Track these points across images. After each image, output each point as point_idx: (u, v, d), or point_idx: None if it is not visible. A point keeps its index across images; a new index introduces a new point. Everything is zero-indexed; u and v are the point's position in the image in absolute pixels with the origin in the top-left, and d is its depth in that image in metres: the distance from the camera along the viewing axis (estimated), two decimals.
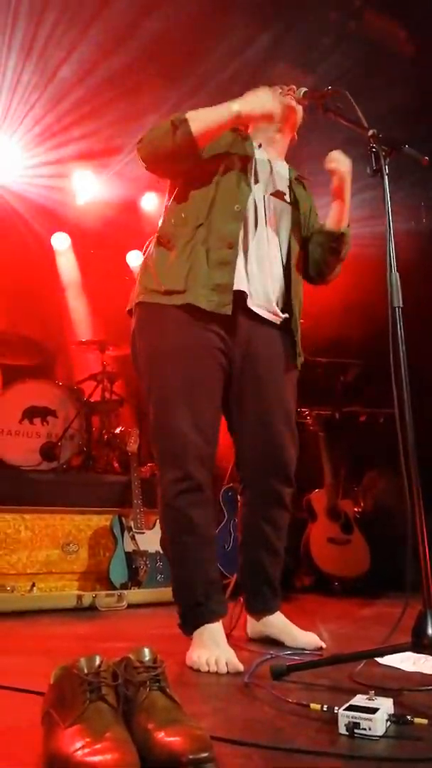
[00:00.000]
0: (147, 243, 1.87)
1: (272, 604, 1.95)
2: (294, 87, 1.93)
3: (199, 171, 1.81)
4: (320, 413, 3.80)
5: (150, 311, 1.75)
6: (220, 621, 1.72)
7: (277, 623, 1.93)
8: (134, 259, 5.82)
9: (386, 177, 1.51)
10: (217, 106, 1.74)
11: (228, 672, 1.55)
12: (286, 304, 1.89)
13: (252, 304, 1.80)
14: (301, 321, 1.95)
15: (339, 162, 1.81)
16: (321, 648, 1.83)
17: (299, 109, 1.94)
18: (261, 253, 1.81)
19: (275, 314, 1.86)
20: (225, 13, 3.89)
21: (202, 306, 1.68)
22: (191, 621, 1.71)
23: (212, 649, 1.62)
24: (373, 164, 1.53)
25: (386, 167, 1.51)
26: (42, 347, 4.41)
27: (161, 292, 1.73)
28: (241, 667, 1.55)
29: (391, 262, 1.48)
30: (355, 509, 3.58)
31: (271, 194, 1.87)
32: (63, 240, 5.57)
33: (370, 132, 1.56)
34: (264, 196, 1.85)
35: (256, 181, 1.85)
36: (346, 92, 1.68)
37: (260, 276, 1.81)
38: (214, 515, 1.87)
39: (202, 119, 1.70)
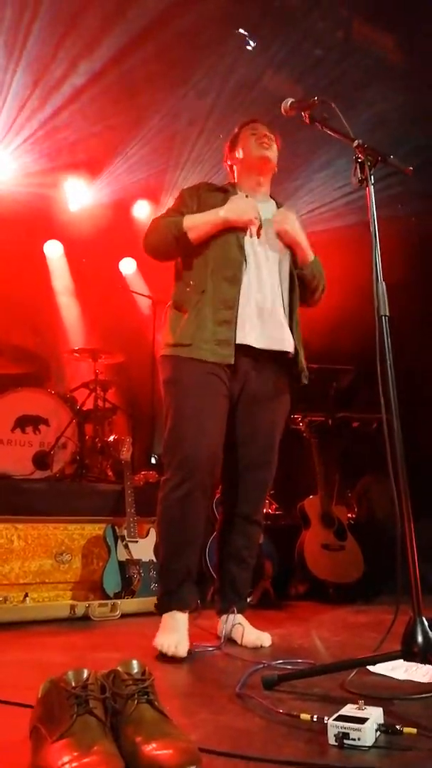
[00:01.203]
0: (166, 307, 2.19)
1: (236, 605, 2.16)
2: (270, 135, 2.18)
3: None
4: (313, 419, 3.81)
5: (168, 361, 2.08)
6: (186, 611, 1.95)
7: (240, 625, 2.12)
8: (127, 266, 5.83)
9: (371, 186, 1.52)
10: (209, 212, 2.06)
11: (171, 656, 1.79)
12: (289, 338, 2.10)
13: (258, 345, 2.04)
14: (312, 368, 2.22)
15: (278, 223, 2.09)
16: (261, 646, 2.03)
17: (273, 155, 2.19)
18: (260, 303, 2.05)
19: (281, 350, 2.09)
20: (217, 25, 3.94)
21: (208, 359, 1.98)
22: (162, 604, 1.99)
23: (170, 635, 1.87)
24: (359, 174, 1.54)
25: (372, 177, 1.53)
26: (34, 356, 4.40)
27: (174, 345, 2.05)
28: (182, 653, 1.80)
29: (377, 272, 1.49)
30: (349, 515, 3.58)
31: (264, 241, 2.10)
32: (55, 248, 5.57)
33: (356, 142, 1.57)
34: (256, 248, 2.08)
35: (251, 234, 2.08)
36: (332, 103, 1.70)
37: (261, 322, 2.04)
38: (208, 522, 2.10)
39: (198, 228, 2.05)
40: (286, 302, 2.11)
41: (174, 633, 1.89)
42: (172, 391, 2.05)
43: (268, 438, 2.15)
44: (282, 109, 1.92)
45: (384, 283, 1.48)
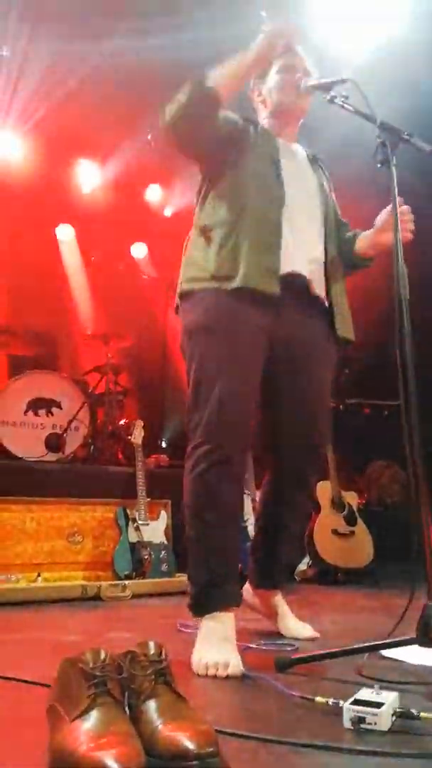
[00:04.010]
0: (186, 239, 1.87)
1: (277, 580, 1.98)
2: (302, 75, 1.87)
3: (231, 161, 1.81)
4: None
5: (196, 297, 1.74)
6: (232, 613, 1.62)
7: (278, 607, 1.97)
8: (138, 251, 5.81)
9: (393, 167, 1.49)
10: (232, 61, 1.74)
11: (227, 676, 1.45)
12: (326, 285, 1.87)
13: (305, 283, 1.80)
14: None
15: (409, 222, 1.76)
16: (314, 639, 1.86)
17: (305, 101, 1.91)
18: (301, 236, 1.80)
19: (319, 295, 1.85)
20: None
21: (258, 287, 1.67)
22: (204, 602, 1.62)
23: (216, 647, 1.53)
24: (380, 155, 1.51)
25: (393, 158, 1.49)
26: (46, 339, 4.42)
27: (209, 278, 1.71)
28: (236, 671, 1.46)
29: (397, 253, 1.46)
30: (359, 501, 3.57)
31: (299, 177, 1.87)
32: (67, 232, 5.56)
33: (378, 122, 1.53)
34: (294, 181, 1.83)
35: (284, 168, 1.84)
36: (355, 80, 1.65)
37: (302, 259, 1.79)
38: (242, 493, 1.80)
39: (220, 77, 1.73)
40: (323, 247, 1.87)
41: (221, 644, 1.54)
42: (200, 338, 1.72)
43: (321, 395, 1.88)
44: (300, 90, 1.86)
45: (405, 264, 1.45)
